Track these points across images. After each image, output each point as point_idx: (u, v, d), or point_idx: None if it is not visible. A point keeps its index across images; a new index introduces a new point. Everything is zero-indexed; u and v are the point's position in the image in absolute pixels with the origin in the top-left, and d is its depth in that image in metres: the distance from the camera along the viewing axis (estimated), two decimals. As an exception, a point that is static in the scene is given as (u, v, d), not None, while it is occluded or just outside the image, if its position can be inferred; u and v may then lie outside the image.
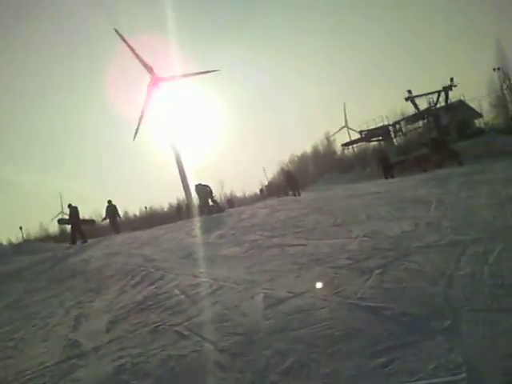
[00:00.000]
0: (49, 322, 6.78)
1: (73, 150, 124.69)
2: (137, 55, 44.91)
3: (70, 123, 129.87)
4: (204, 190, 23.86)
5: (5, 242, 26.31)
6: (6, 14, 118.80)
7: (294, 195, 28.60)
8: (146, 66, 44.95)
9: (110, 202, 23.19)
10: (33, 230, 76.07)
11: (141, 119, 46.08)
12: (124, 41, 44.11)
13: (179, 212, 39.00)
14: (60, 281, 10.20)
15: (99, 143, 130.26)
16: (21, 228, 59.65)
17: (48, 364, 4.82)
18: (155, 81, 44.95)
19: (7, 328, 7.08)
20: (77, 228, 20.74)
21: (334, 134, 76.50)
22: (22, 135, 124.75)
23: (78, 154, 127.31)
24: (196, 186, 24.37)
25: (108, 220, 23.59)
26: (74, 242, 20.01)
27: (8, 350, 5.90)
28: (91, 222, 27.35)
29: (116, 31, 43.86)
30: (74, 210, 21.11)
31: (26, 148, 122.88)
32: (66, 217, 23.86)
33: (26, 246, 23.40)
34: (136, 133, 46.62)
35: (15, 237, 59.94)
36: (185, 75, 46.13)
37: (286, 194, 34.78)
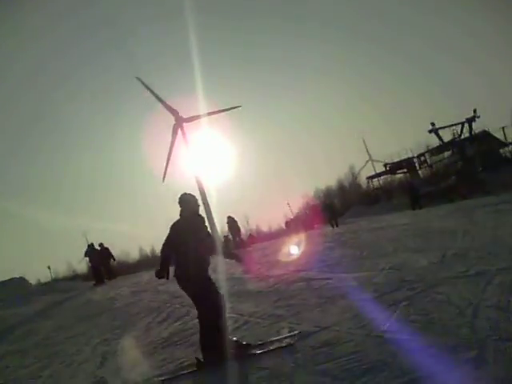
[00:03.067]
0: (76, 360, 6.63)
1: (101, 194, 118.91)
2: (161, 101, 45.35)
3: (98, 170, 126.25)
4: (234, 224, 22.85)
5: (33, 282, 24.48)
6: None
7: (332, 226, 27.04)
8: (171, 110, 45.13)
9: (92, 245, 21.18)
10: (61, 269, 70.94)
11: (168, 161, 46.20)
12: (148, 88, 44.50)
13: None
14: (87, 319, 10.21)
15: (128, 187, 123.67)
16: (49, 267, 55.72)
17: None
18: (180, 122, 45.20)
19: (36, 365, 6.92)
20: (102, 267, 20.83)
21: (360, 169, 71.14)
22: (50, 178, 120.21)
23: (107, 198, 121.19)
24: (228, 217, 23.06)
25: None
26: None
27: (37, 386, 5.59)
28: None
29: (138, 79, 44.21)
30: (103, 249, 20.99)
31: (55, 191, 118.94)
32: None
33: (54, 285, 23.54)
34: (164, 175, 46.86)
35: (44, 276, 55.94)
36: (209, 113, 46.45)
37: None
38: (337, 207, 33.78)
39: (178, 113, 47.04)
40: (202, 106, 48.80)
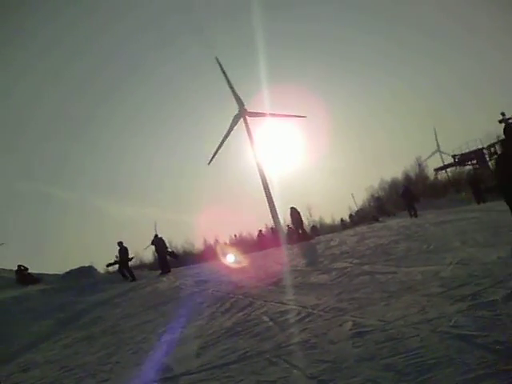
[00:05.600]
0: (142, 347, 6.82)
1: (168, 186, 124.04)
2: (232, 88, 47.37)
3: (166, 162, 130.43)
4: (297, 215, 22.92)
5: (102, 271, 25.85)
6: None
7: (411, 215, 25.66)
8: (238, 100, 47.08)
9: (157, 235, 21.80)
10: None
11: (219, 147, 48.34)
12: (223, 71, 46.67)
13: (260, 240, 37.96)
14: (153, 307, 10.52)
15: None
16: (117, 257, 58.55)
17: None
18: (242, 114, 46.94)
19: (103, 352, 7.13)
20: (124, 266, 21.09)
21: (426, 159, 71.12)
22: (122, 171, 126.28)
23: (173, 191, 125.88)
24: (291, 208, 23.06)
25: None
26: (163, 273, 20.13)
27: (104, 373, 5.88)
28: (175, 255, 26.31)
29: (217, 60, 46.54)
30: (123, 249, 21.25)
31: (125, 183, 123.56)
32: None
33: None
34: (212, 158, 49.01)
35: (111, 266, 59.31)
36: (272, 114, 47.98)
37: (377, 220, 33.68)
38: (416, 194, 32.35)
39: (243, 105, 47.86)
40: (266, 97, 49.72)
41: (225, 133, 48.86)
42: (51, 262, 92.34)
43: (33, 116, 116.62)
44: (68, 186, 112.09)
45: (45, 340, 9.73)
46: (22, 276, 22.11)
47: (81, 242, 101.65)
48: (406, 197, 28.26)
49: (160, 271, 20.81)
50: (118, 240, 21.36)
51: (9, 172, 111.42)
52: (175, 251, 34.10)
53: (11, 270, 23.94)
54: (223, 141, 49.04)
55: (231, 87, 47.93)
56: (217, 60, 47.70)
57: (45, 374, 6.58)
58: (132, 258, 22.82)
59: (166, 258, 21.67)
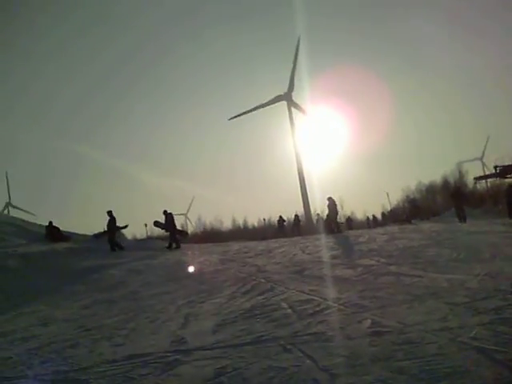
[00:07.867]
0: (160, 317, 6.88)
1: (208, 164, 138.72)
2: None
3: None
4: (334, 206, 23.04)
5: (129, 237, 26.12)
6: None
7: (459, 220, 24.56)
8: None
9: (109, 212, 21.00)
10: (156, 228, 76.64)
11: (248, 112, 51.49)
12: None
13: (280, 227, 38.51)
14: (175, 279, 10.73)
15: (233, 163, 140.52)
16: (145, 225, 60.17)
17: (153, 356, 4.83)
18: (288, 98, 48.67)
19: (121, 317, 7.23)
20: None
21: (464, 162, 71.83)
22: (160, 143, 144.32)
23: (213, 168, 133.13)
24: (329, 198, 23.19)
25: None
26: (170, 247, 20.68)
27: (119, 337, 5.93)
28: (185, 233, 27.01)
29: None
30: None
31: (161, 154, 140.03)
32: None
33: (148, 243, 24.60)
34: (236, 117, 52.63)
35: (139, 233, 60.63)
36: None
37: (409, 222, 33.81)
38: (467, 195, 31.05)
39: (280, 96, 48.20)
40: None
41: (260, 103, 49.45)
42: (80, 221, 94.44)
43: (80, 78, 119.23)
44: (102, 150, 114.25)
45: (65, 298, 9.92)
46: (52, 233, 22.49)
47: (109, 206, 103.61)
48: (456, 198, 27.38)
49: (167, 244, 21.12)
50: (108, 209, 20.94)
51: (47, 129, 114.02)
52: (184, 229, 34.72)
53: (41, 225, 24.38)
54: (254, 109, 49.59)
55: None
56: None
57: (62, 331, 6.67)
58: (125, 227, 23.21)
59: (174, 234, 21.84)
